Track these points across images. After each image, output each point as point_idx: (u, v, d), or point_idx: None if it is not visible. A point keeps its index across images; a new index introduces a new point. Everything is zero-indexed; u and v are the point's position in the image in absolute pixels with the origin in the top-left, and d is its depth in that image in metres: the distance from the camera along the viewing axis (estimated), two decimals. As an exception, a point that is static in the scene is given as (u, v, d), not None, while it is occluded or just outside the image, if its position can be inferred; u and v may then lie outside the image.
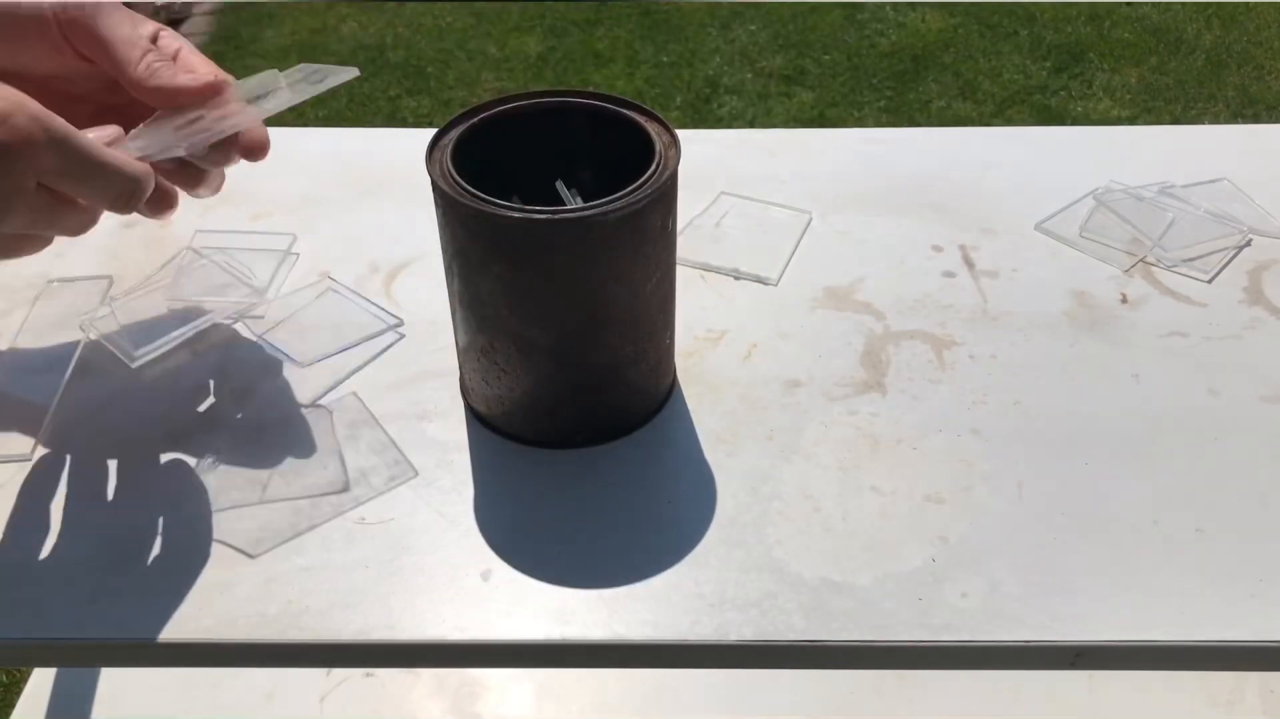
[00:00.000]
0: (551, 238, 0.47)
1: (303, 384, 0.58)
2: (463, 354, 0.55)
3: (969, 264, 0.67)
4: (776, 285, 0.65)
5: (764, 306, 0.63)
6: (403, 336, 0.61)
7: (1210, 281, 0.65)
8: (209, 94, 0.51)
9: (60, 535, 0.50)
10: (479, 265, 0.49)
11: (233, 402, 0.57)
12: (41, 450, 0.54)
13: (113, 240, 0.68)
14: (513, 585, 0.48)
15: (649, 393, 0.55)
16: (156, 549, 0.49)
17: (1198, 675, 0.99)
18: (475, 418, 0.56)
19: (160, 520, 0.51)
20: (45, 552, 0.49)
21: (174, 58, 0.52)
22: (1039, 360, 0.59)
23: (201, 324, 0.61)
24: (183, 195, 0.55)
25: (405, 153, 0.74)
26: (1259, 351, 0.60)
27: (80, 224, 0.48)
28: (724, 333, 0.61)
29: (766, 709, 0.98)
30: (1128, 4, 2.67)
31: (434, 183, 0.48)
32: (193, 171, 0.53)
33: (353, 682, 1.01)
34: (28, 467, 0.53)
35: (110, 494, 0.52)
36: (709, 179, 0.73)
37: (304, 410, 0.56)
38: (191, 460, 0.54)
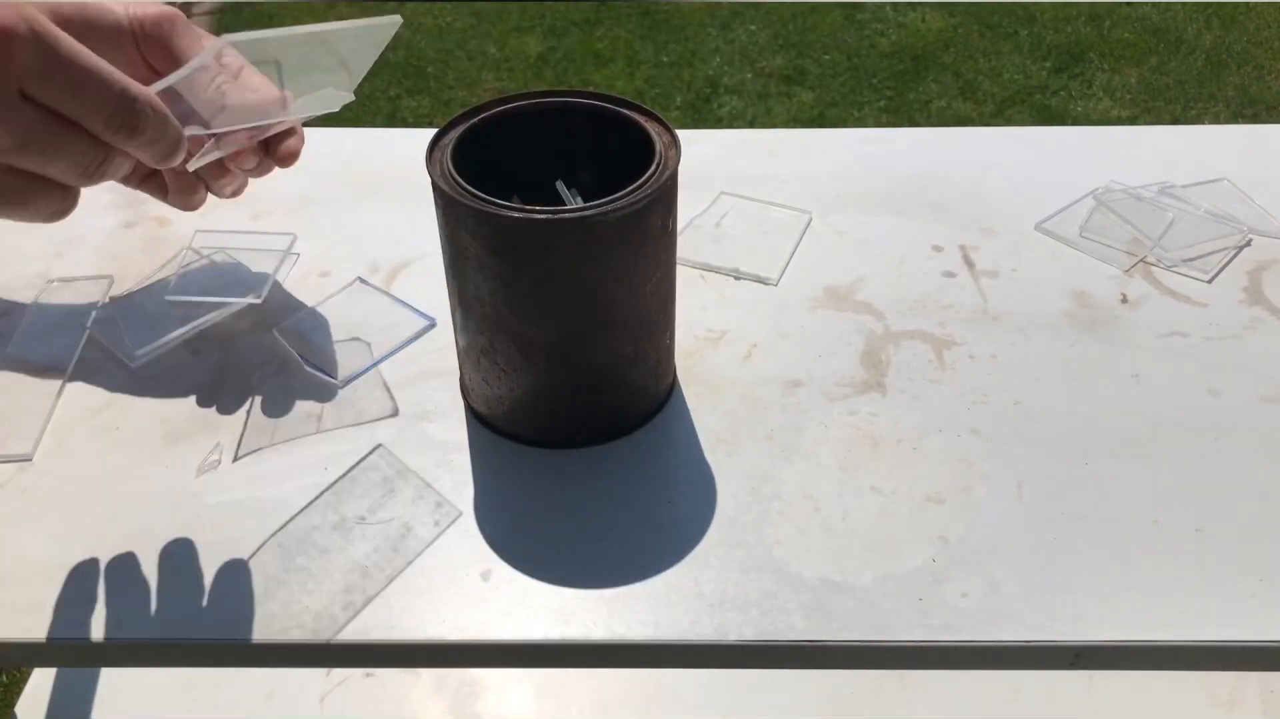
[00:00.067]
0: (552, 238, 0.47)
1: (306, 384, 0.58)
2: (463, 354, 0.55)
3: (969, 264, 0.67)
4: (776, 285, 0.65)
5: (764, 306, 0.63)
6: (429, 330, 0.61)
7: (1210, 281, 0.65)
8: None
9: (60, 535, 0.50)
10: (479, 265, 0.49)
11: (234, 401, 0.57)
12: (41, 450, 0.54)
13: (113, 240, 0.68)
14: (513, 585, 0.48)
15: (649, 393, 0.55)
16: (156, 549, 0.49)
17: (1198, 675, 0.99)
18: (475, 418, 0.56)
19: (160, 520, 0.51)
20: (45, 552, 0.49)
21: (236, 76, 0.52)
22: (1039, 360, 0.59)
23: (201, 324, 0.61)
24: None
25: (405, 153, 0.75)
26: (1259, 351, 0.60)
27: (82, 156, 0.42)
28: (724, 333, 0.61)
29: (766, 709, 0.98)
30: (1128, 4, 2.67)
31: (434, 183, 0.48)
32: (222, 169, 0.54)
33: (353, 682, 1.01)
34: (28, 467, 0.53)
35: (110, 494, 0.52)
36: (709, 179, 0.73)
37: (340, 344, 0.58)
38: (191, 460, 0.54)
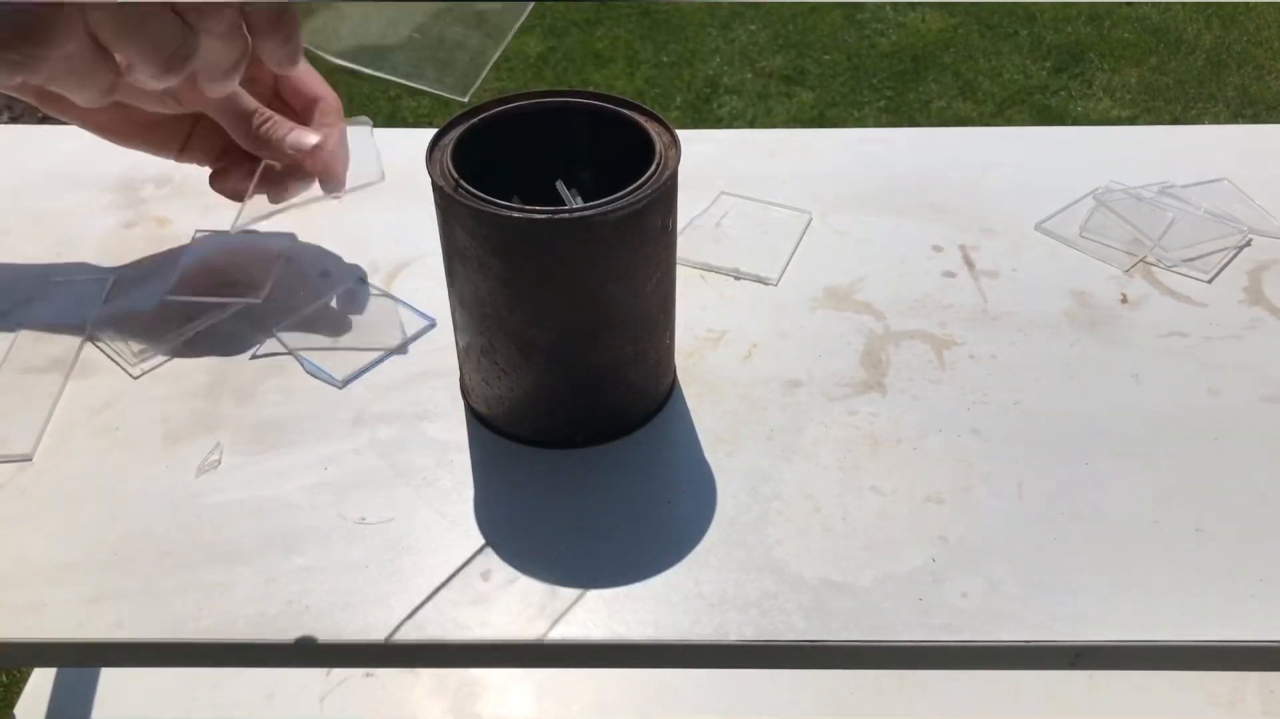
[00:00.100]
0: (552, 238, 0.47)
1: (306, 384, 0.58)
2: (463, 354, 0.55)
3: (969, 264, 0.67)
4: (776, 285, 0.65)
5: (764, 306, 0.63)
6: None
7: (1210, 281, 0.65)
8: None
9: (60, 535, 0.50)
10: (479, 265, 0.49)
11: (234, 401, 0.57)
12: (41, 450, 0.54)
13: (113, 240, 0.68)
14: (513, 585, 0.48)
15: (649, 393, 0.55)
16: (156, 549, 0.49)
17: (1198, 675, 0.99)
18: (475, 418, 0.56)
19: (160, 520, 0.51)
20: (45, 552, 0.49)
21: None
22: (1039, 360, 0.59)
23: (201, 324, 0.61)
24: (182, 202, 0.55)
25: (405, 152, 0.74)
26: (1259, 351, 0.60)
27: (102, 86, 0.47)
28: (724, 333, 0.61)
29: (766, 709, 0.98)
30: (1128, 4, 2.67)
31: (434, 183, 0.48)
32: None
33: (353, 682, 1.01)
34: (28, 467, 0.53)
35: (110, 494, 0.52)
36: (709, 179, 0.73)
37: (340, 344, 0.60)
38: (191, 460, 0.54)
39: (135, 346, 0.59)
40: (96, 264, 0.66)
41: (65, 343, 0.60)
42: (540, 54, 2.50)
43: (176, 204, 0.71)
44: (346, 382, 0.58)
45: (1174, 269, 0.66)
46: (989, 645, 0.46)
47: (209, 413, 0.56)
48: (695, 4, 2.70)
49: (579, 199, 0.54)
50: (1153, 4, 2.66)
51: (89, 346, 0.60)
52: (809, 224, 0.70)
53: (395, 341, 0.60)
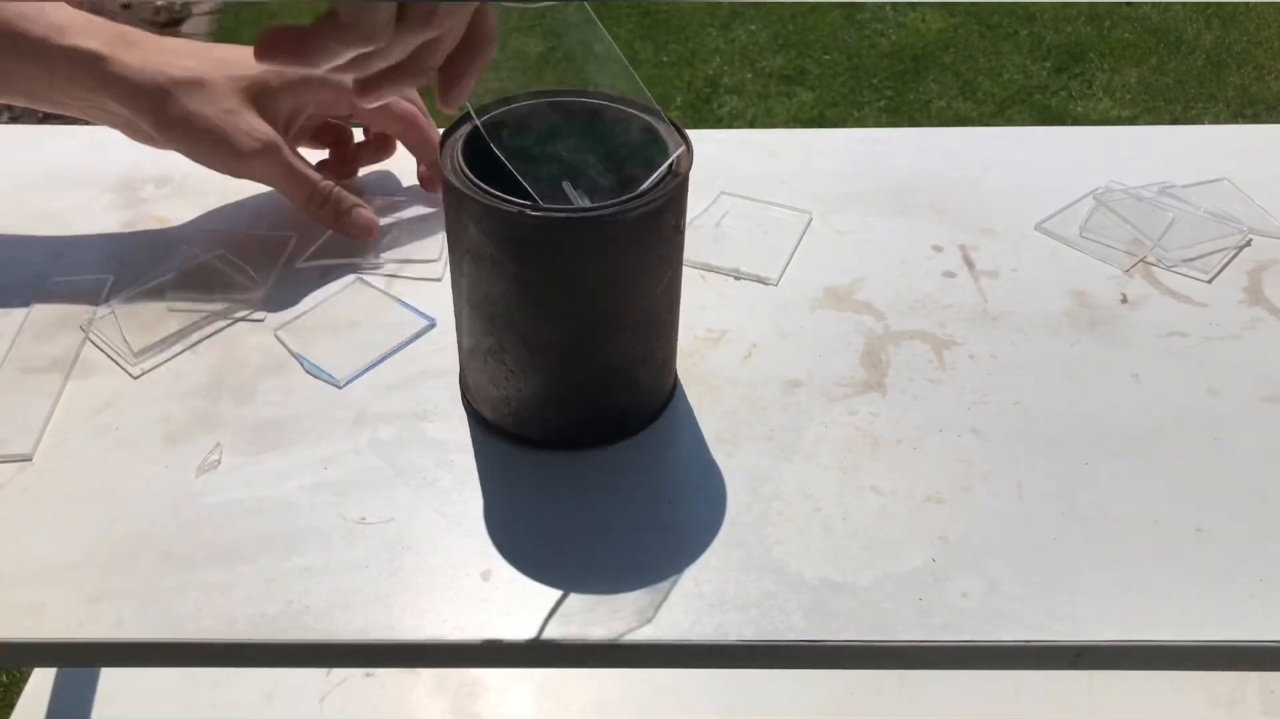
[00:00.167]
0: (570, 237, 0.47)
1: (306, 384, 0.58)
2: (467, 356, 0.55)
3: (969, 264, 0.67)
4: (776, 285, 0.65)
5: (764, 306, 0.63)
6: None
7: (1210, 281, 0.65)
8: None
9: (60, 535, 0.50)
10: (492, 264, 0.48)
11: (234, 401, 0.57)
12: (41, 450, 0.54)
13: (113, 240, 0.68)
14: (513, 585, 0.48)
15: (655, 393, 0.55)
16: (156, 549, 0.49)
17: (1198, 675, 0.99)
18: (478, 421, 0.56)
19: (160, 520, 0.51)
20: (45, 552, 0.49)
21: None
22: (1039, 360, 0.59)
23: (201, 324, 0.61)
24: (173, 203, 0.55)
25: (405, 152, 0.74)
26: (1259, 351, 0.60)
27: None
28: (724, 333, 0.61)
29: (766, 709, 0.98)
30: (1128, 4, 2.67)
31: (445, 180, 0.48)
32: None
33: (353, 682, 1.01)
34: (28, 467, 0.53)
35: (110, 494, 0.52)
36: (709, 179, 0.73)
37: (340, 344, 0.60)
38: (191, 460, 0.54)
39: (135, 347, 0.59)
40: (96, 264, 0.66)
41: (65, 343, 0.60)
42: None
43: (176, 204, 0.71)
44: (346, 382, 0.58)
45: (1174, 269, 0.66)
46: (989, 645, 0.46)
47: (209, 413, 0.56)
48: (695, 4, 2.70)
49: (586, 199, 0.54)
50: (1153, 4, 2.66)
51: (89, 347, 0.60)
52: (809, 224, 0.70)
53: (395, 342, 0.60)
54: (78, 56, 0.58)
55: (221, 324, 0.61)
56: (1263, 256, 0.67)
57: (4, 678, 1.32)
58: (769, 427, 0.55)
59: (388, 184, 0.73)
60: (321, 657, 0.48)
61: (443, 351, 0.59)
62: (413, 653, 0.47)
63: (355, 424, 0.55)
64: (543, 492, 0.52)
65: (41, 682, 1.00)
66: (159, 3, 2.66)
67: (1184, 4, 2.65)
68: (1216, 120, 2.29)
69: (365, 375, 0.58)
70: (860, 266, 0.66)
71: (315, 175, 0.64)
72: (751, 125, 2.29)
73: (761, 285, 0.65)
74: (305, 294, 0.64)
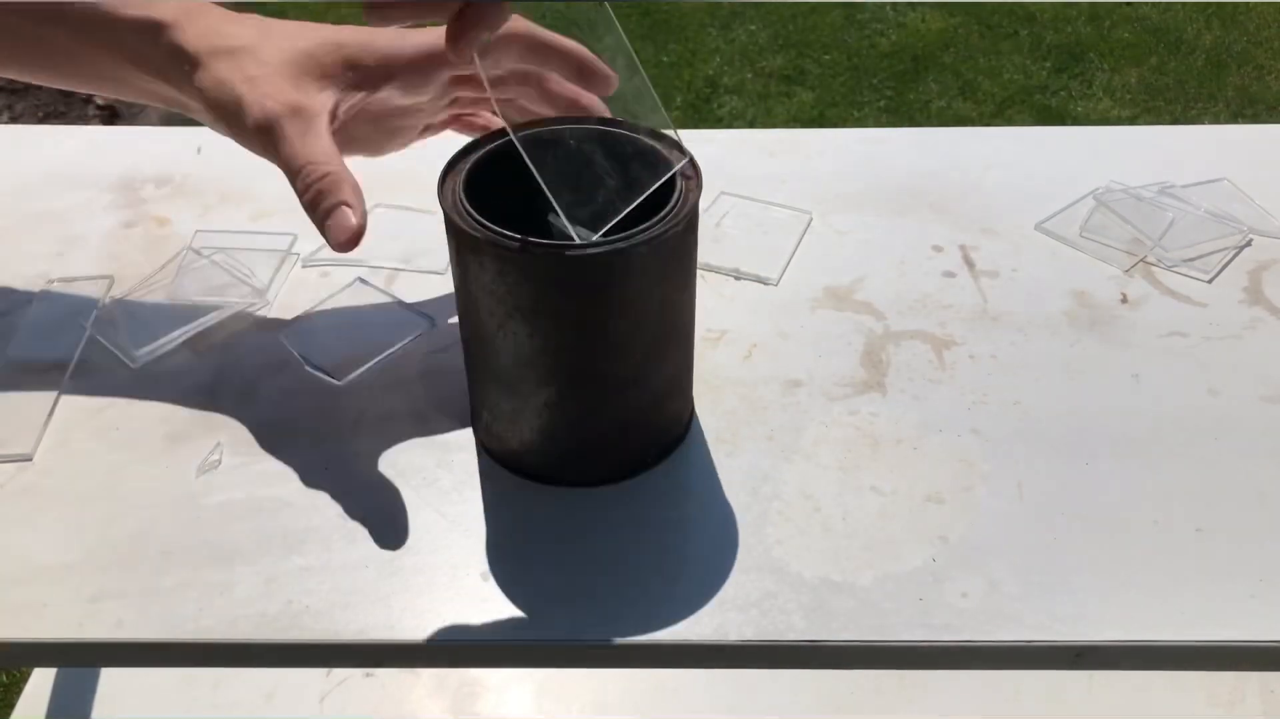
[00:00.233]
0: (625, 264, 0.45)
1: (306, 384, 0.58)
2: (509, 417, 0.51)
3: (969, 264, 0.67)
4: (776, 285, 0.65)
5: (764, 306, 0.63)
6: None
7: (1210, 281, 0.65)
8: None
9: (60, 535, 0.50)
10: (550, 314, 0.46)
11: (234, 401, 0.57)
12: (41, 450, 0.54)
13: (113, 240, 0.68)
14: (513, 586, 0.48)
15: (688, 399, 0.55)
16: (156, 549, 0.49)
17: (1198, 675, 0.99)
18: (509, 468, 0.53)
19: (160, 520, 0.51)
20: (45, 552, 0.49)
21: None
22: (1039, 360, 0.59)
23: (201, 324, 0.61)
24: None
25: (405, 152, 0.74)
26: (1259, 351, 0.60)
27: None
28: (724, 333, 0.61)
29: (766, 709, 0.98)
30: (1128, 4, 2.67)
31: (497, 243, 0.45)
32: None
33: (353, 682, 1.01)
34: (28, 467, 0.53)
35: (110, 494, 0.52)
36: (709, 179, 0.73)
37: (340, 344, 0.59)
38: (192, 460, 0.54)
39: (135, 347, 0.59)
40: (96, 264, 0.66)
41: (65, 343, 0.60)
42: (540, 54, 2.50)
43: (176, 204, 0.71)
44: (346, 382, 0.58)
45: (1174, 269, 0.66)
46: (989, 645, 0.46)
47: (209, 413, 0.56)
48: (695, 4, 2.70)
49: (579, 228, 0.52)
50: (1153, 4, 2.66)
51: (89, 347, 0.60)
52: (809, 224, 0.70)
53: (395, 342, 0.60)
54: (142, 27, 0.52)
55: (221, 324, 0.61)
56: (1263, 256, 0.67)
57: (4, 678, 1.32)
58: (769, 427, 0.55)
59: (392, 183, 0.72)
60: (321, 657, 0.48)
61: (443, 352, 0.59)
62: (413, 653, 0.47)
63: (355, 424, 0.55)
64: (542, 490, 0.52)
65: (41, 682, 1.01)
66: (159, 3, 2.65)
67: (1184, 4, 2.65)
68: (1216, 120, 2.29)
69: (365, 375, 0.58)
70: (860, 266, 0.66)
71: (315, 158, 0.51)
72: (751, 125, 2.29)
73: (761, 285, 0.65)
74: (305, 294, 0.64)
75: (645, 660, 0.47)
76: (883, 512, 0.51)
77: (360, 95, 0.53)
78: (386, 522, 0.51)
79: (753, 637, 0.46)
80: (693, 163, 0.49)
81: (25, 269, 0.66)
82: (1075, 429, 0.55)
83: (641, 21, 2.63)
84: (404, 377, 0.58)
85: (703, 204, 0.70)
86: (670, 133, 0.50)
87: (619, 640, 0.46)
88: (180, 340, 0.60)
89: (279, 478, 0.53)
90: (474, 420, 0.55)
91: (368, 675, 1.01)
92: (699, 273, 0.65)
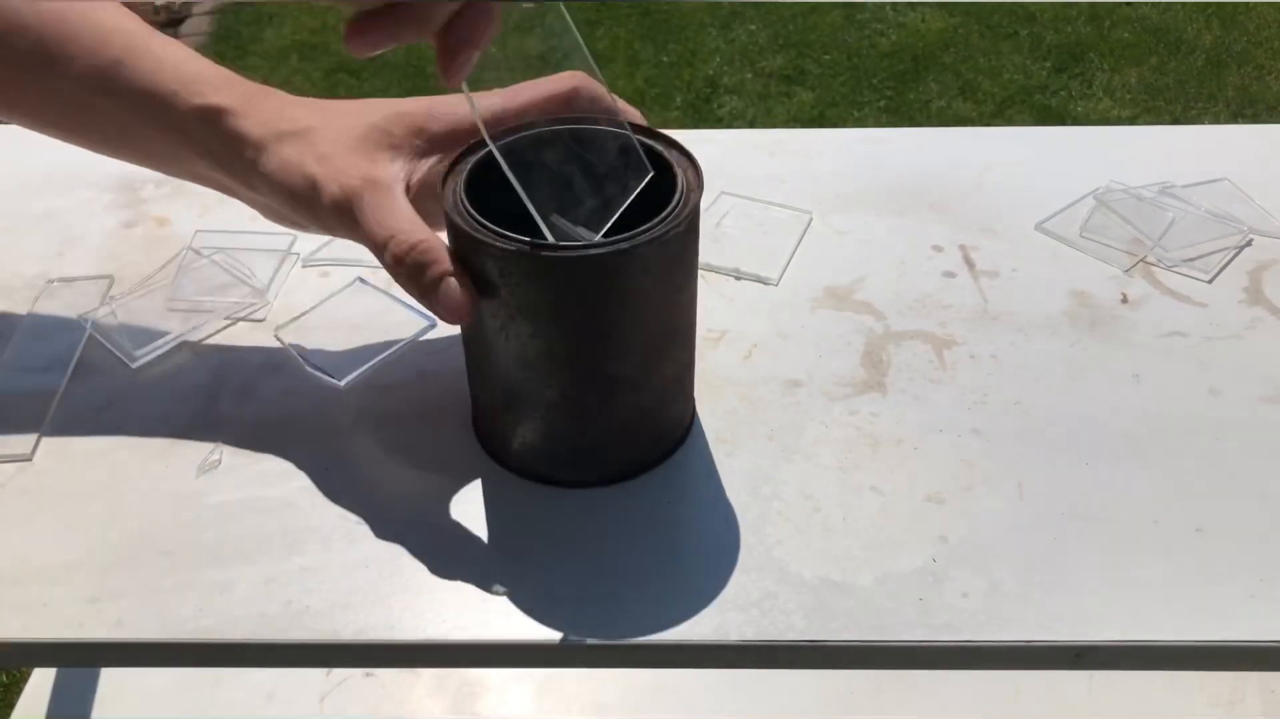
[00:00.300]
0: (631, 264, 0.45)
1: (306, 384, 0.58)
2: (514, 417, 0.51)
3: (969, 264, 0.67)
4: (776, 285, 0.65)
5: (764, 306, 0.63)
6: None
7: (1210, 281, 0.65)
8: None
9: (60, 535, 0.50)
10: (559, 315, 0.46)
11: (234, 401, 0.57)
12: (41, 450, 0.54)
13: (113, 240, 0.68)
14: (513, 585, 0.48)
15: (690, 396, 0.55)
16: (156, 549, 0.49)
17: (1198, 675, 0.99)
18: (509, 469, 0.53)
19: (160, 520, 0.51)
20: (45, 552, 0.49)
21: None
22: (1039, 360, 0.59)
23: (201, 324, 0.61)
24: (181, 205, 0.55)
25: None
26: (1259, 352, 0.60)
27: None
28: (724, 333, 0.61)
29: (766, 709, 0.98)
30: (1128, 4, 2.67)
31: (494, 247, 0.45)
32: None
33: (353, 682, 1.01)
34: (28, 467, 0.53)
35: (110, 494, 0.52)
36: (709, 179, 0.73)
37: (340, 344, 0.58)
38: (192, 460, 0.54)
39: (135, 347, 0.59)
40: (96, 264, 0.66)
41: (65, 343, 0.60)
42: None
43: (176, 204, 0.71)
44: (346, 382, 0.58)
45: (1174, 269, 0.66)
46: (989, 645, 0.46)
47: (209, 413, 0.56)
48: (695, 4, 2.70)
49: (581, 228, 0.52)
50: (1153, 4, 2.66)
51: (89, 346, 0.60)
52: (809, 224, 0.70)
53: (395, 342, 0.60)
54: (202, 114, 0.51)
55: (221, 324, 0.61)
56: (1263, 256, 0.67)
57: (4, 678, 1.32)
58: (769, 427, 0.55)
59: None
60: (321, 657, 0.48)
61: (443, 352, 0.59)
62: (413, 653, 0.47)
63: (355, 424, 0.56)
64: (541, 490, 0.52)
65: (41, 682, 1.01)
66: (158, 3, 2.66)
67: (1184, 4, 2.65)
68: (1216, 120, 2.29)
69: (365, 375, 0.58)
70: (860, 266, 0.66)
71: (401, 227, 0.48)
72: (751, 125, 2.29)
73: (762, 285, 0.65)
74: (305, 294, 0.64)
75: (645, 660, 0.47)
76: (883, 511, 0.51)
77: (431, 161, 0.52)
78: (386, 522, 0.51)
79: (753, 637, 0.46)
80: (693, 163, 0.49)
81: (25, 269, 0.66)
82: (1075, 429, 0.55)
83: (641, 21, 2.63)
84: (404, 377, 0.58)
85: (703, 204, 0.71)
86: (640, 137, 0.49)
87: (619, 640, 0.46)
88: (180, 340, 0.60)
89: (279, 478, 0.53)
90: (474, 420, 0.55)
91: (368, 675, 1.01)
92: (699, 273, 0.66)
